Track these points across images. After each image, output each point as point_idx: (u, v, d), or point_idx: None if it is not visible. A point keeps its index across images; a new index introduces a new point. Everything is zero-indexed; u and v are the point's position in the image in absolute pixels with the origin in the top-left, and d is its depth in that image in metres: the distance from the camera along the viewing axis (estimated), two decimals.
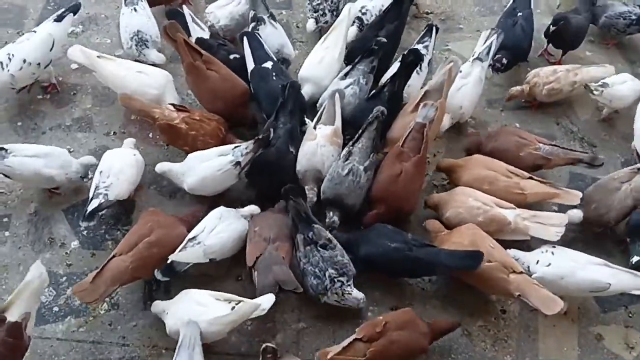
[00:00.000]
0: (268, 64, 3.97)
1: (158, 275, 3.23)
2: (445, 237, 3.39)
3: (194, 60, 3.81)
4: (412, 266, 3.29)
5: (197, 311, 3.00)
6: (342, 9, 4.41)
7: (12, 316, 2.82)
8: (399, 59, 3.92)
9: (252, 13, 4.28)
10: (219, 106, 3.84)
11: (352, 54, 4.14)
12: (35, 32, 4.05)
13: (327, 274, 3.17)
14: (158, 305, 3.18)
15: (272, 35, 4.20)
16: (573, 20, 4.28)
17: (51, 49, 4.04)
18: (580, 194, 3.48)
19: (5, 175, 3.55)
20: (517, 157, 3.65)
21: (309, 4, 4.51)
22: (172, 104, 3.79)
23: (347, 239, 3.38)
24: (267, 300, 3.00)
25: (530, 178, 3.53)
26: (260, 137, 3.54)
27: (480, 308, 3.39)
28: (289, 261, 3.27)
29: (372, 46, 3.95)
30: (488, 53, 4.01)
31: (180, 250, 3.19)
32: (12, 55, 3.89)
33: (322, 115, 3.80)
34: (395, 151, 3.53)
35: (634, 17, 4.50)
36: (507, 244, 3.37)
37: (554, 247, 3.35)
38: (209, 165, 3.53)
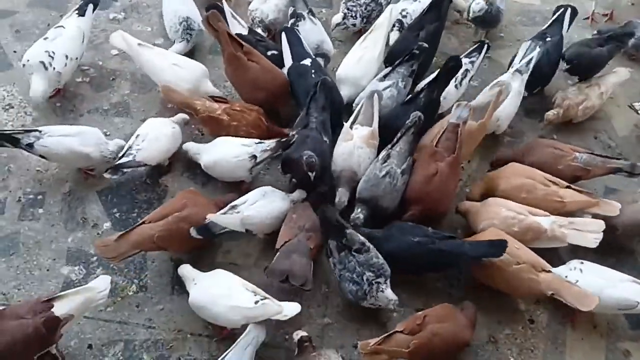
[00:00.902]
0: (307, 61, 3.97)
1: (193, 232, 3.24)
2: None
3: (235, 51, 3.83)
4: (436, 259, 3.27)
5: (222, 293, 3.03)
6: (374, 17, 4.45)
7: (58, 310, 2.85)
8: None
9: (291, 9, 4.31)
10: (260, 97, 3.85)
11: (392, 56, 4.12)
12: (63, 27, 4.03)
13: (364, 278, 3.14)
14: (189, 271, 3.20)
15: (312, 32, 4.22)
16: (593, 53, 4.20)
17: (83, 42, 4.08)
18: (619, 205, 3.44)
19: (42, 157, 3.60)
20: (556, 170, 3.60)
21: (344, 3, 4.52)
22: (212, 96, 3.83)
23: (368, 235, 3.33)
24: (291, 309, 3.02)
25: (569, 187, 3.50)
26: (283, 139, 3.54)
27: (508, 316, 3.35)
28: (315, 254, 3.27)
29: (414, 50, 3.93)
30: (528, 65, 3.97)
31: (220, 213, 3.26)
32: (53, 52, 3.88)
33: (358, 115, 3.78)
34: (429, 151, 3.52)
35: None
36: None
37: (582, 263, 3.30)
38: (228, 150, 3.59)
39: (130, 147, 3.60)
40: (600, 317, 3.35)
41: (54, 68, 3.86)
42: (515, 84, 3.92)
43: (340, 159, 3.60)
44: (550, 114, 4.09)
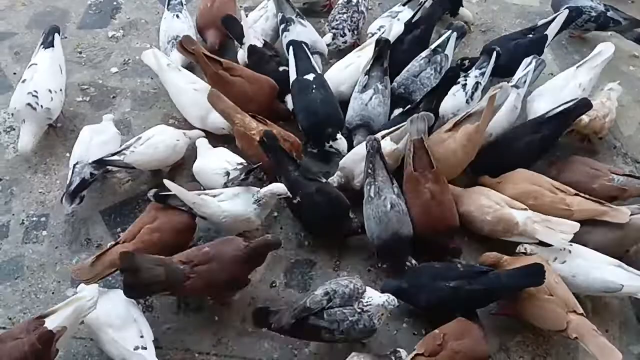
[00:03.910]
0: (310, 76, 3.92)
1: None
2: (509, 264, 3.24)
3: (216, 69, 3.84)
4: (476, 299, 3.14)
5: None
6: (361, 26, 4.45)
7: (50, 324, 2.83)
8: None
9: (279, 15, 4.27)
10: (253, 108, 3.80)
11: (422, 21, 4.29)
12: (36, 64, 3.93)
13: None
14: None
15: (303, 33, 4.19)
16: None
17: (62, 72, 4.03)
18: (629, 212, 3.35)
19: (128, 167, 3.69)
20: (591, 189, 3.51)
21: (328, 24, 4.49)
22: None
23: (397, 288, 3.18)
24: None
25: (577, 194, 3.43)
26: (254, 166, 3.50)
27: (518, 323, 3.30)
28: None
29: (376, 47, 3.92)
30: (526, 81, 3.87)
31: None
32: (35, 91, 3.79)
33: (396, 130, 3.67)
34: (412, 178, 3.43)
35: (593, 14, 4.37)
36: None
37: (572, 245, 3.28)
38: (212, 161, 3.61)
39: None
40: (613, 320, 3.32)
41: (41, 106, 3.79)
42: (511, 98, 3.76)
43: (350, 159, 3.64)
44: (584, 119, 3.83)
